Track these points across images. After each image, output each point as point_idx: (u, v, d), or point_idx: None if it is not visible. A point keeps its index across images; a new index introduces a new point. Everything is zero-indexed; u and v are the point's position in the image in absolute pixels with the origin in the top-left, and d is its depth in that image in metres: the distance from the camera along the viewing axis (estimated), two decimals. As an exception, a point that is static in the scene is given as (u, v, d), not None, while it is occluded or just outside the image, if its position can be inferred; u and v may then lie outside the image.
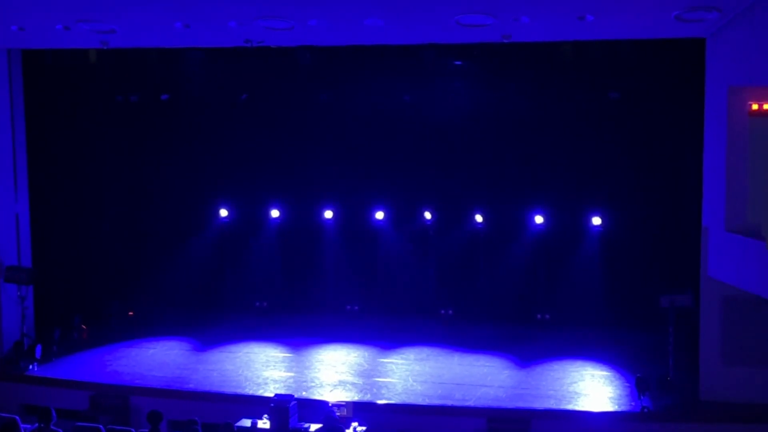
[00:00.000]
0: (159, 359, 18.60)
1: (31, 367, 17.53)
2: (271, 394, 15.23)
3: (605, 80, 19.55)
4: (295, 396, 14.79)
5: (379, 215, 21.73)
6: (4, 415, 13.25)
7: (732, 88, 14.62)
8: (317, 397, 15.91)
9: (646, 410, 15.17)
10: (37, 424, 12.13)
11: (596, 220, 20.41)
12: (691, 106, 16.59)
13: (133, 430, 13.10)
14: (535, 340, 19.81)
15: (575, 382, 16.97)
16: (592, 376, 17.40)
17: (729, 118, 14.66)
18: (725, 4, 13.69)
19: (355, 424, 14.31)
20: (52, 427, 11.90)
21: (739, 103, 14.56)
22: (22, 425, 12.20)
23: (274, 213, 22.15)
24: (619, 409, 15.49)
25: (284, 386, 16.62)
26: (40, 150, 19.76)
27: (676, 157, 18.83)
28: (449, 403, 15.79)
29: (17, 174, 19.06)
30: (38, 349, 17.77)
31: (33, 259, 19.40)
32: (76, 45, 18.14)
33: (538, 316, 20.96)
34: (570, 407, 15.61)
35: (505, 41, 16.08)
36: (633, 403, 15.63)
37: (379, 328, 20.75)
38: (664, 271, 19.09)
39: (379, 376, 17.38)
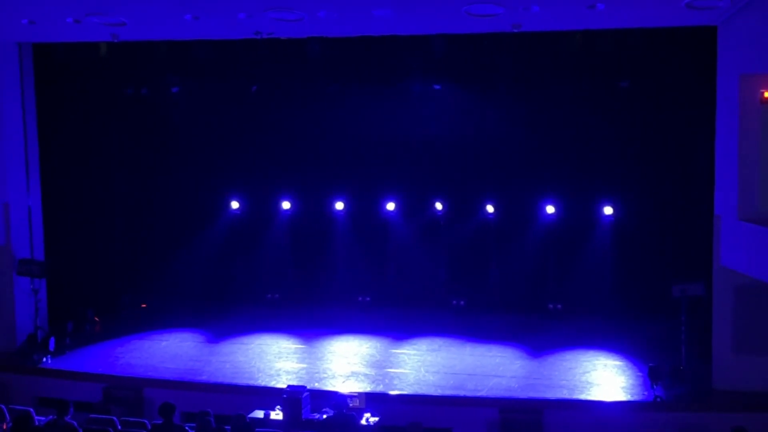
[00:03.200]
0: (172, 351, 18.67)
1: (44, 359, 17.61)
2: (284, 386, 15.26)
3: (616, 69, 19.41)
4: (308, 387, 14.82)
5: (390, 206, 21.70)
6: (18, 407, 13.34)
7: (744, 76, 14.56)
8: (330, 388, 15.94)
9: (658, 400, 15.15)
10: (51, 417, 12.20)
11: (608, 210, 20.31)
12: (702, 95, 16.48)
13: (146, 421, 13.12)
14: (547, 330, 19.78)
15: (587, 372, 16.95)
16: (605, 365, 17.38)
17: (741, 106, 14.60)
18: (737, -8, 13.64)
19: (367, 414, 14.34)
20: (67, 420, 11.96)
21: (751, 91, 14.50)
22: (36, 417, 12.27)
23: (285, 205, 22.15)
24: (632, 399, 15.48)
25: (297, 377, 16.66)
26: (51, 143, 19.82)
27: (688, 145, 18.68)
28: (461, 393, 15.79)
29: (29, 167, 19.10)
30: (51, 341, 17.86)
31: (45, 252, 19.47)
32: (86, 38, 18.18)
33: (550, 306, 20.89)
34: (582, 397, 15.60)
35: (516, 31, 16.04)
36: (646, 393, 15.60)
37: (391, 319, 20.77)
38: (676, 260, 19.03)
39: (391, 367, 17.40)
